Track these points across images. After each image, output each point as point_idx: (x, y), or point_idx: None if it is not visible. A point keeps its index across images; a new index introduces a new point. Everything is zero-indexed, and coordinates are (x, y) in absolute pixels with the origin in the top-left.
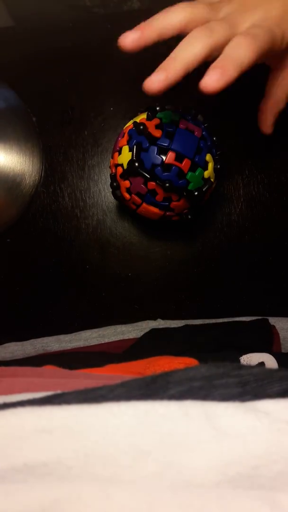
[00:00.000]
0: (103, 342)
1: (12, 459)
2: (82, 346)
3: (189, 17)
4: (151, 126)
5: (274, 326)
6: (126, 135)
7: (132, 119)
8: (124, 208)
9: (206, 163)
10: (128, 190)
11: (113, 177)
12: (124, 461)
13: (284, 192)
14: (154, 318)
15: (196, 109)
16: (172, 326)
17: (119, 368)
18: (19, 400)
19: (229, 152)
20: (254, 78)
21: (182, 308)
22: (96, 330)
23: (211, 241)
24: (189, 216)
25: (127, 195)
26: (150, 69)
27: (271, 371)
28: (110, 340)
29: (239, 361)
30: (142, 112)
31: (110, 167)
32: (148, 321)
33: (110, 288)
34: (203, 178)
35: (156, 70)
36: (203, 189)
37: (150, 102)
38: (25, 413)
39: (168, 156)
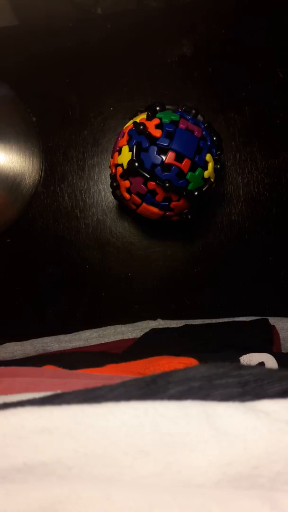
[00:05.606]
0: (103, 342)
1: (12, 459)
2: (82, 346)
3: None
4: (151, 126)
5: (274, 326)
6: (126, 135)
7: (132, 119)
8: (124, 208)
9: (206, 163)
10: (128, 190)
11: (113, 177)
12: (124, 461)
13: (284, 192)
14: (154, 318)
15: (196, 109)
16: (172, 326)
17: (119, 368)
18: (19, 400)
19: (229, 152)
20: (254, 77)
21: (182, 308)
22: (96, 330)
23: (211, 241)
24: (189, 216)
25: (127, 195)
26: (150, 69)
27: (271, 371)
28: (110, 340)
29: (239, 361)
30: (142, 112)
31: (110, 167)
32: (148, 321)
33: (110, 288)
34: (203, 178)
35: None
36: (203, 189)
37: (150, 102)
38: (25, 413)
39: (168, 156)
